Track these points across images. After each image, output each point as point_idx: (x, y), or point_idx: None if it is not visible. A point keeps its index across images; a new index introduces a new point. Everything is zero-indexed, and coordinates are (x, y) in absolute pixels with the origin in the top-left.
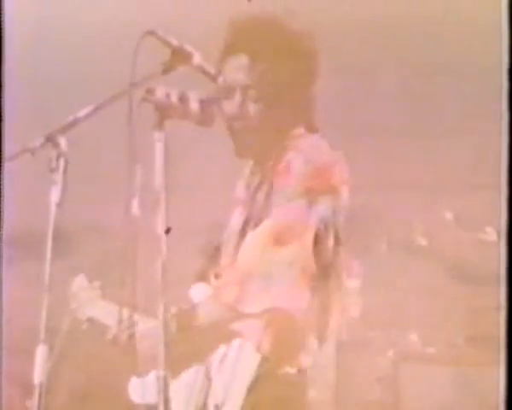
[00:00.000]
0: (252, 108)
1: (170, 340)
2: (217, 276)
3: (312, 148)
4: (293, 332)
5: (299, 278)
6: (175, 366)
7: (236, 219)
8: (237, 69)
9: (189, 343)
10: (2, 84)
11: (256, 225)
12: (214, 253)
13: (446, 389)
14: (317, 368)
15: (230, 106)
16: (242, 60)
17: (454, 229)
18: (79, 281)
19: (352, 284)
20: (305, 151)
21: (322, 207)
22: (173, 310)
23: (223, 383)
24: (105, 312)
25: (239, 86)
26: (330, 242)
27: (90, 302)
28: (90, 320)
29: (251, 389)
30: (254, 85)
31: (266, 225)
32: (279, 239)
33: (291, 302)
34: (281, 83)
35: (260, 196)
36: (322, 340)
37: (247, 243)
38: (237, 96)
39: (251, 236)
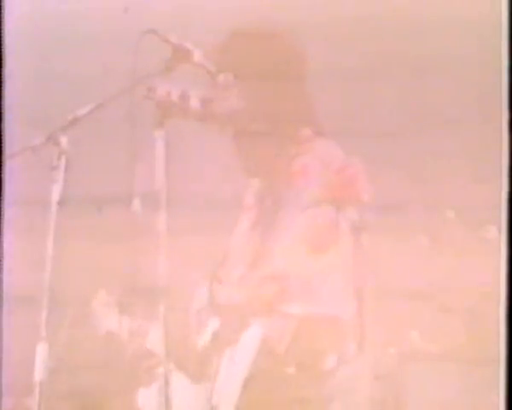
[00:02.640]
0: (254, 127)
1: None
2: (220, 281)
3: (327, 153)
4: (329, 338)
5: (344, 285)
6: (176, 367)
7: (244, 224)
8: (228, 95)
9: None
10: (3, 82)
11: (265, 230)
12: (219, 257)
13: (447, 387)
14: (352, 375)
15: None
16: (230, 84)
17: (455, 227)
18: (100, 297)
19: None
20: (320, 156)
21: (351, 212)
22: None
23: (221, 380)
24: (121, 325)
25: (233, 110)
26: (363, 247)
27: (109, 316)
28: (109, 334)
29: (248, 387)
30: (249, 107)
31: (300, 229)
32: (316, 245)
33: (339, 309)
34: (274, 95)
35: (269, 200)
36: (362, 346)
37: (282, 246)
38: (235, 119)
39: (285, 238)
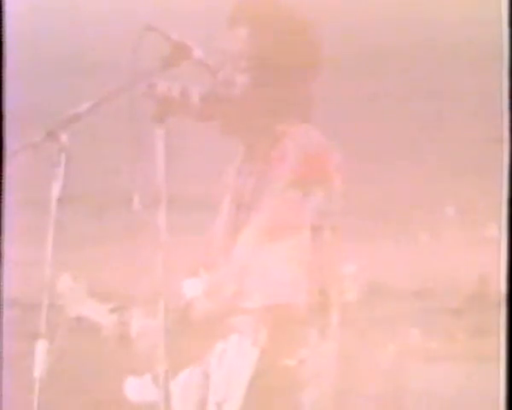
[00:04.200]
0: (239, 79)
1: (166, 337)
2: (207, 268)
3: (307, 137)
4: (293, 326)
5: (298, 272)
6: (172, 364)
7: (226, 207)
8: (234, 40)
9: (186, 341)
10: (3, 79)
11: (246, 214)
12: (206, 244)
13: (447, 385)
14: (318, 362)
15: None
16: (241, 32)
17: (455, 224)
18: (65, 279)
19: (348, 270)
20: (299, 140)
21: (317, 197)
22: (168, 306)
23: (223, 379)
24: (95, 310)
25: (231, 56)
26: (327, 233)
27: (78, 300)
28: (79, 319)
29: (252, 384)
30: (247, 57)
31: (262, 219)
32: (275, 234)
33: (291, 297)
34: (279, 66)
35: (250, 183)
36: (324, 333)
37: (243, 238)
38: (227, 66)
39: (247, 230)
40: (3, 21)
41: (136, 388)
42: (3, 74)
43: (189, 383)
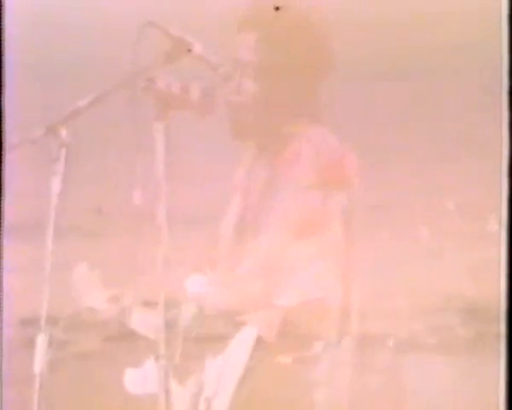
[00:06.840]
0: (250, 86)
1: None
2: (213, 266)
3: (322, 139)
4: (320, 322)
5: (332, 268)
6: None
7: (234, 207)
8: (244, 46)
9: (186, 334)
10: (3, 74)
11: (256, 215)
12: (213, 243)
13: (447, 380)
14: (317, 362)
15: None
16: (251, 37)
17: (456, 219)
18: (80, 270)
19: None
20: (315, 142)
21: (340, 198)
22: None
23: (216, 375)
24: (105, 300)
25: (241, 63)
26: (342, 232)
27: (91, 291)
28: (90, 309)
29: (245, 382)
30: (257, 63)
31: (286, 217)
32: (302, 232)
33: (327, 292)
34: (288, 68)
35: (260, 183)
36: (346, 331)
37: (269, 235)
38: (237, 73)
39: (272, 228)
40: (3, 15)
41: (136, 380)
42: (3, 69)
43: (187, 377)
